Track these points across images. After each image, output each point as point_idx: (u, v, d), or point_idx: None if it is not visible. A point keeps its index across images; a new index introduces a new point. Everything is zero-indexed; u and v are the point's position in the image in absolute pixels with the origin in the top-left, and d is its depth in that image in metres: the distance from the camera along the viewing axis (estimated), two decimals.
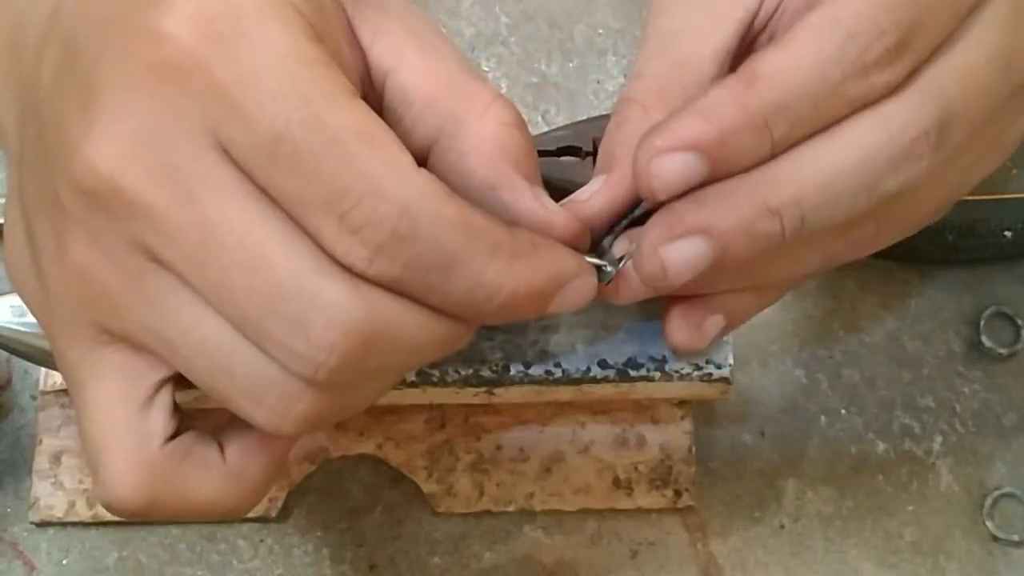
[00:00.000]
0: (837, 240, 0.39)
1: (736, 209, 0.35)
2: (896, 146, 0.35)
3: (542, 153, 0.51)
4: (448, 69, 0.36)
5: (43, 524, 0.49)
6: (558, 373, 0.43)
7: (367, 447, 0.49)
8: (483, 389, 0.44)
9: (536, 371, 0.43)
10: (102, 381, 0.36)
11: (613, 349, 0.43)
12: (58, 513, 0.48)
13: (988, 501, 0.51)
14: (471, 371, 0.43)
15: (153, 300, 0.34)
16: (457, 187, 0.35)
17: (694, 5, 0.39)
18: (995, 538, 0.51)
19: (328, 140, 0.31)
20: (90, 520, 0.48)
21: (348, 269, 0.32)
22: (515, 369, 0.43)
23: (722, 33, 0.39)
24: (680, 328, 0.40)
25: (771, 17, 0.39)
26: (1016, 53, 0.37)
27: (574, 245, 0.36)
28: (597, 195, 0.38)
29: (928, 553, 0.51)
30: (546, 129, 0.54)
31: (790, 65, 0.35)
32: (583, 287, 0.36)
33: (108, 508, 0.37)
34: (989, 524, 0.51)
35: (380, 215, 0.32)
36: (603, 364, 0.43)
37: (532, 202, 0.36)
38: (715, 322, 0.40)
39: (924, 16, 0.35)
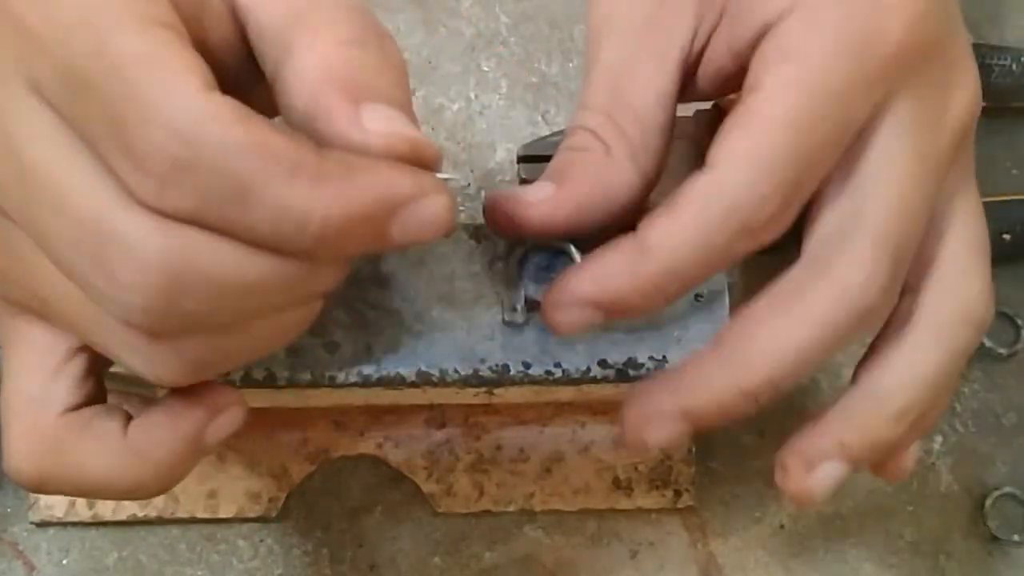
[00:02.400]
0: None
1: (711, 394, 0.38)
2: (862, 305, 0.37)
3: (542, 158, 0.51)
4: None
5: (43, 524, 0.49)
6: (558, 373, 0.43)
7: (367, 447, 0.49)
8: (483, 389, 0.44)
9: (536, 371, 0.43)
10: (13, 349, 0.36)
11: (613, 349, 0.43)
12: (58, 513, 0.48)
13: (988, 501, 0.51)
14: (471, 371, 0.43)
15: (15, 258, 0.34)
16: (290, 125, 0.33)
17: (632, 40, 0.40)
18: (995, 538, 0.51)
19: (108, 67, 0.30)
20: (90, 520, 0.49)
21: (147, 205, 0.31)
22: (515, 369, 0.43)
23: (663, 78, 0.39)
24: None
25: (704, 47, 0.40)
26: (927, 152, 0.38)
27: (422, 164, 0.33)
28: (542, 205, 0.39)
29: (928, 553, 0.51)
30: (547, 130, 0.54)
31: (677, 237, 0.37)
32: (429, 209, 0.33)
33: (11, 478, 0.36)
34: (989, 524, 0.51)
35: (158, 143, 0.30)
36: (603, 364, 0.43)
37: (344, 125, 0.32)
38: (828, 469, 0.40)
39: (808, 170, 0.37)
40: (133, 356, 0.34)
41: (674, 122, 0.40)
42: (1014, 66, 0.53)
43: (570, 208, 0.39)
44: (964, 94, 0.39)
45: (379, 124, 0.33)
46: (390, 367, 0.43)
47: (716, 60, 0.40)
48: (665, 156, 0.40)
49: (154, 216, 0.31)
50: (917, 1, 0.37)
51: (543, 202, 0.39)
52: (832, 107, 0.36)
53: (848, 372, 0.52)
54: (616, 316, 0.39)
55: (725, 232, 0.37)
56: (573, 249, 0.44)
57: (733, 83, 0.39)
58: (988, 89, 0.53)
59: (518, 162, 0.52)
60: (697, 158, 0.50)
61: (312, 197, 0.31)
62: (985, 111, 0.54)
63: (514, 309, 0.43)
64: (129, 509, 0.48)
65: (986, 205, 0.53)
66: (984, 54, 0.54)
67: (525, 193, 0.39)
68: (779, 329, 0.38)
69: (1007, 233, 0.52)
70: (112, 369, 0.43)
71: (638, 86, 0.39)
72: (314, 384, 0.43)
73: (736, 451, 0.51)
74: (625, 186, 0.39)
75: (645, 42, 0.40)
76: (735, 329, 0.38)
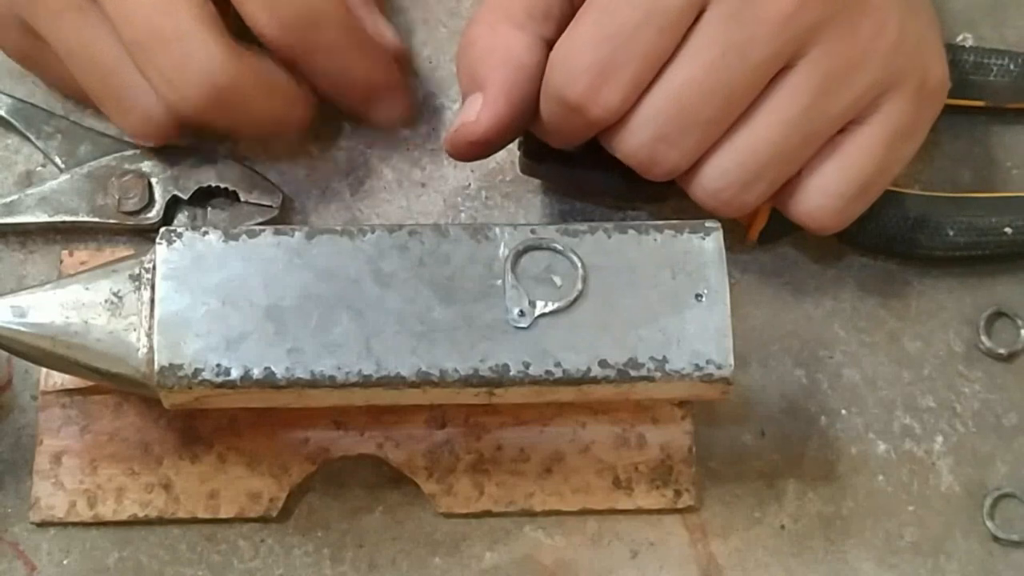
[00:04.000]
0: None
1: None
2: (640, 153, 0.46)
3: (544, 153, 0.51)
4: None
5: (44, 524, 0.49)
6: (558, 373, 0.43)
7: (367, 447, 0.49)
8: (483, 389, 0.44)
9: (536, 371, 0.43)
10: None
11: (613, 349, 0.43)
12: (59, 513, 0.48)
13: (988, 501, 0.51)
14: (471, 371, 0.43)
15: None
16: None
17: None
18: (995, 538, 0.51)
19: None
20: (91, 520, 0.49)
21: (244, 36, 0.46)
22: (515, 369, 0.43)
23: None
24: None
25: None
26: (736, 43, 0.44)
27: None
28: (482, 115, 0.46)
29: (928, 553, 0.51)
30: None
31: (542, 103, 0.47)
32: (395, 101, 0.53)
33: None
34: (989, 524, 0.51)
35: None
36: (603, 364, 0.43)
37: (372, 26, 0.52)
38: None
39: (619, 50, 0.43)
40: (136, 119, 0.49)
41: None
42: (1012, 66, 0.53)
43: (502, 102, 0.46)
44: None
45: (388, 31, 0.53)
46: (390, 367, 0.43)
47: None
48: (561, 16, 0.46)
49: (240, 44, 0.47)
50: None
51: (481, 112, 0.46)
52: None
53: (848, 372, 0.53)
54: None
55: (555, 104, 0.45)
56: (573, 254, 0.44)
57: None
58: (987, 90, 0.53)
59: (519, 147, 0.52)
60: None
61: (366, 65, 0.50)
62: (984, 111, 0.55)
63: (514, 309, 0.43)
64: (129, 509, 0.48)
65: (987, 201, 0.53)
66: (982, 55, 0.54)
67: (464, 115, 0.47)
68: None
69: (1009, 227, 0.52)
70: (114, 370, 0.43)
71: None
72: (314, 384, 0.43)
73: (736, 451, 0.51)
74: (526, 51, 0.46)
75: None
76: None
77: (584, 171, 0.50)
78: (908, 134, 0.47)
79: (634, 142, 0.45)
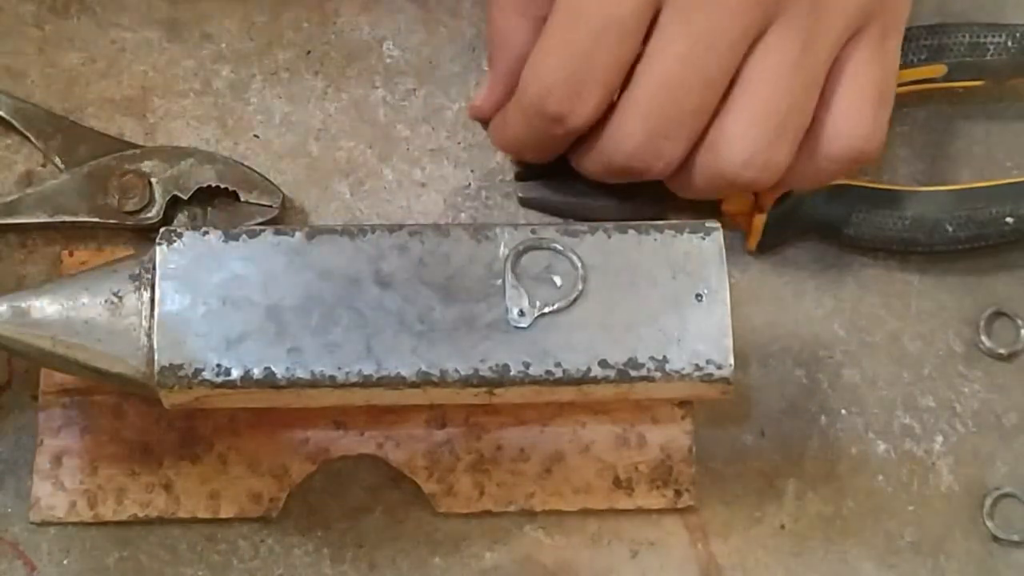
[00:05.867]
0: None
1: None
2: (620, 159, 0.48)
3: (539, 174, 0.52)
4: None
5: (44, 524, 0.49)
6: (558, 373, 0.43)
7: (367, 447, 0.49)
8: (483, 389, 0.44)
9: (536, 371, 0.43)
10: None
11: (613, 349, 0.43)
12: (59, 513, 0.48)
13: (988, 501, 0.51)
14: (471, 371, 0.43)
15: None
16: None
17: None
18: (995, 538, 0.51)
19: None
20: (91, 520, 0.48)
21: None
22: (515, 369, 0.43)
23: None
24: None
25: None
26: (703, 32, 0.45)
27: None
28: (486, 95, 0.52)
29: (928, 553, 0.51)
30: None
31: (512, 118, 0.49)
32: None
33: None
34: (989, 524, 0.51)
35: None
36: (603, 364, 0.43)
37: None
38: None
39: (588, 59, 0.45)
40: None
41: None
42: (1009, 43, 0.53)
43: (500, 86, 0.51)
44: None
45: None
46: (390, 367, 0.43)
47: None
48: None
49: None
50: None
51: (484, 95, 0.52)
52: (593, 6, 0.45)
53: (848, 372, 0.53)
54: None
55: (532, 118, 0.47)
56: (573, 254, 0.44)
57: None
58: (984, 68, 0.53)
59: (516, 179, 0.53)
60: None
61: None
62: (982, 90, 0.54)
63: (514, 309, 0.43)
64: (130, 509, 0.48)
65: (985, 190, 0.53)
66: (978, 32, 0.53)
67: (477, 93, 0.53)
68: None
69: (1010, 216, 0.52)
70: (114, 370, 0.43)
71: None
72: (314, 384, 0.43)
73: (736, 451, 0.51)
74: (523, 42, 0.48)
75: None
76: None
77: (580, 197, 0.51)
78: (896, 29, 0.48)
79: (631, 144, 0.46)
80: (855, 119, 0.47)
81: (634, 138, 0.46)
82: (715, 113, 0.46)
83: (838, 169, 0.48)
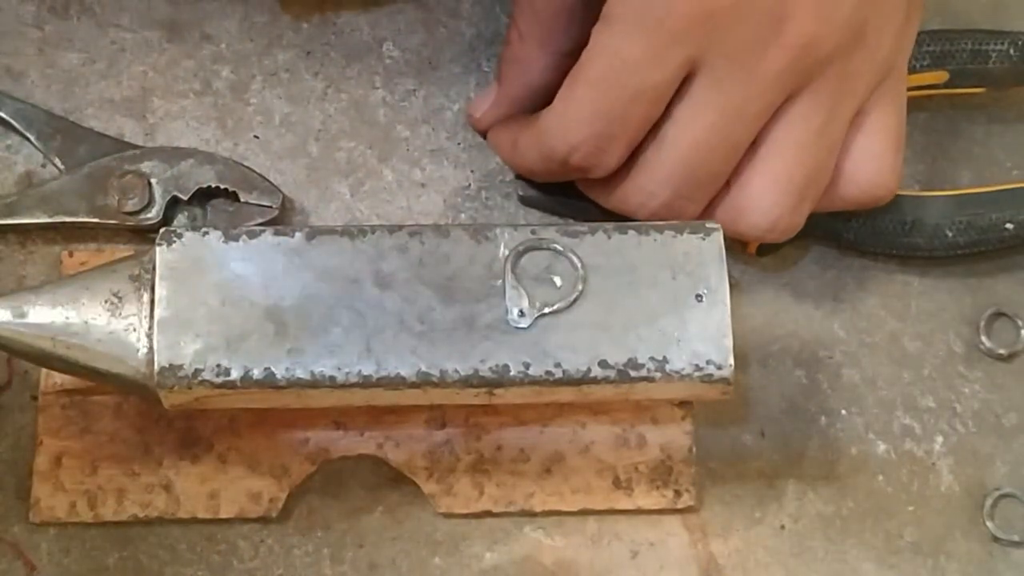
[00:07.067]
0: None
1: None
2: (646, 210, 0.48)
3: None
4: None
5: (44, 524, 0.49)
6: (558, 373, 0.43)
7: (367, 447, 0.49)
8: (483, 389, 0.44)
9: (536, 371, 0.43)
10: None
11: (613, 349, 0.43)
12: (59, 513, 0.48)
13: (988, 501, 0.51)
14: (471, 371, 0.43)
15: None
16: None
17: None
18: (995, 538, 0.51)
19: None
20: (91, 520, 0.48)
21: None
22: (515, 369, 0.43)
23: None
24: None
25: None
26: (735, 103, 0.45)
27: None
28: (487, 110, 0.51)
29: (928, 553, 0.51)
30: None
31: (526, 150, 0.49)
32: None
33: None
34: (989, 524, 0.51)
35: None
36: (603, 364, 0.43)
37: None
38: None
39: (614, 123, 0.45)
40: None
41: (586, 9, 0.47)
42: (1011, 51, 0.53)
43: (506, 106, 0.51)
44: (797, 22, 0.44)
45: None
46: (390, 367, 0.43)
47: None
48: (578, 34, 0.47)
49: None
50: None
51: (487, 109, 0.51)
52: (629, 72, 0.44)
53: (848, 372, 0.53)
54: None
55: (552, 163, 0.48)
56: (573, 255, 0.44)
57: None
58: (986, 75, 0.53)
59: (516, 177, 0.53)
60: None
61: None
62: (985, 97, 0.54)
63: (514, 309, 0.43)
64: (129, 510, 0.48)
65: (985, 196, 0.53)
66: (981, 40, 0.53)
67: (478, 99, 0.52)
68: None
69: (1010, 223, 0.52)
70: (114, 371, 0.43)
71: None
72: (314, 384, 0.43)
73: (736, 451, 0.51)
74: (539, 71, 0.49)
75: None
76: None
77: (580, 196, 0.51)
78: (905, 68, 0.49)
79: (654, 203, 0.47)
80: (874, 168, 0.48)
81: (657, 199, 0.47)
82: (736, 171, 0.47)
83: (853, 208, 0.49)
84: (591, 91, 0.45)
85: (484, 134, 0.53)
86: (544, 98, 0.48)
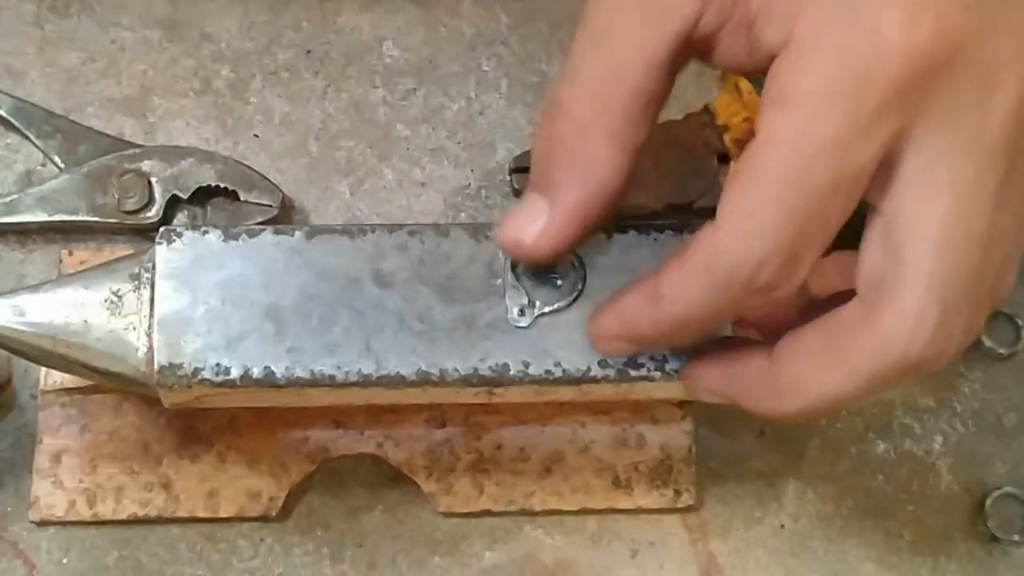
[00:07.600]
0: None
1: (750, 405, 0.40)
2: (906, 359, 0.36)
3: None
4: None
5: (43, 523, 0.49)
6: (558, 372, 0.43)
7: (367, 447, 0.49)
8: (483, 388, 0.44)
9: (536, 370, 0.43)
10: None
11: None
12: (58, 512, 0.48)
13: (988, 501, 0.51)
14: (471, 371, 0.43)
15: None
16: None
17: (629, 5, 0.38)
18: (995, 538, 0.51)
19: None
20: (90, 519, 0.48)
21: None
22: (515, 369, 0.43)
23: (659, 44, 0.38)
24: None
25: (716, 32, 0.38)
26: (967, 179, 0.36)
27: None
28: (546, 236, 0.39)
29: (928, 553, 0.51)
30: None
31: (685, 291, 0.38)
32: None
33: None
34: (989, 524, 0.51)
35: None
36: (603, 364, 0.43)
37: None
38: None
39: (809, 225, 0.36)
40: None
41: (665, 96, 0.39)
42: None
43: (577, 222, 0.39)
44: (1007, 92, 0.35)
45: None
46: (390, 366, 0.43)
47: (733, 56, 0.38)
48: (650, 129, 0.39)
49: None
50: (922, 20, 0.34)
51: (544, 230, 0.39)
52: (826, 157, 0.35)
53: None
54: (650, 348, 0.43)
55: (731, 290, 0.37)
56: (572, 254, 0.44)
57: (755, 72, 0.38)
58: None
59: (510, 173, 0.53)
60: (689, 162, 0.50)
61: None
62: None
63: (514, 309, 0.43)
64: (129, 508, 0.48)
65: None
66: None
67: (526, 218, 0.40)
68: (822, 371, 0.38)
69: None
70: (114, 370, 0.43)
71: (628, 49, 0.38)
72: (314, 384, 0.43)
73: (736, 451, 0.51)
74: (613, 173, 0.39)
75: (644, 5, 0.38)
76: (783, 350, 0.39)
77: None
78: None
79: (920, 341, 0.36)
80: None
81: (922, 334, 0.36)
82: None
83: None
84: (776, 188, 0.35)
85: (539, 263, 0.42)
86: (612, 208, 0.39)
